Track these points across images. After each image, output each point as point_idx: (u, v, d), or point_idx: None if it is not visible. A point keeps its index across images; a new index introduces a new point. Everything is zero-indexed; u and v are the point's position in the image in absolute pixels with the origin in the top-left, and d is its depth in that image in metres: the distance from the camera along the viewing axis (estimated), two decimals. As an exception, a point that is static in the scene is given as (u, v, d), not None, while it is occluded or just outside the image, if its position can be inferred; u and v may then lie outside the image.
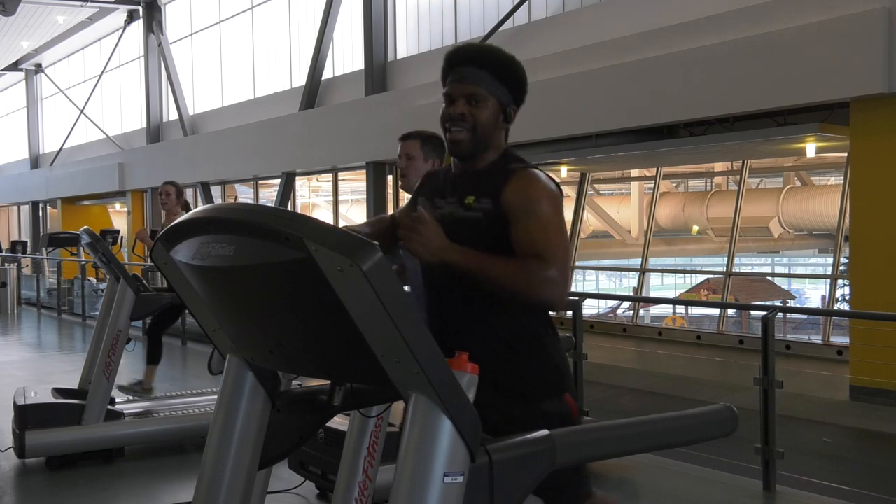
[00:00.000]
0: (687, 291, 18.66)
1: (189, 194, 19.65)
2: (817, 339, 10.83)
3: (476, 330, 2.22)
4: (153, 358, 6.23)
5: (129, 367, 7.06)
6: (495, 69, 2.17)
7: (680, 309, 16.56)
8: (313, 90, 15.70)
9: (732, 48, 8.88)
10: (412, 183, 3.39)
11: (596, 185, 16.71)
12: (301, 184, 18.70)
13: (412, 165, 3.37)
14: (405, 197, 3.89)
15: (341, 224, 16.47)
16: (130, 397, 6.03)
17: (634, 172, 16.02)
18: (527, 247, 2.06)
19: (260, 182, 18.68)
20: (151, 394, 6.04)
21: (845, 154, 9.62)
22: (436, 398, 1.63)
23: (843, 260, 10.54)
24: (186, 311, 6.61)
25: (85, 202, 25.04)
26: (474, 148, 2.20)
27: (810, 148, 10.44)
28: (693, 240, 16.51)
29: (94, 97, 24.19)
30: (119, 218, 25.47)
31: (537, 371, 2.23)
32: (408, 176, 3.39)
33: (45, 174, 25.98)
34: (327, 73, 15.77)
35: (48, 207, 27.25)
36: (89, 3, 20.68)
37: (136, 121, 22.78)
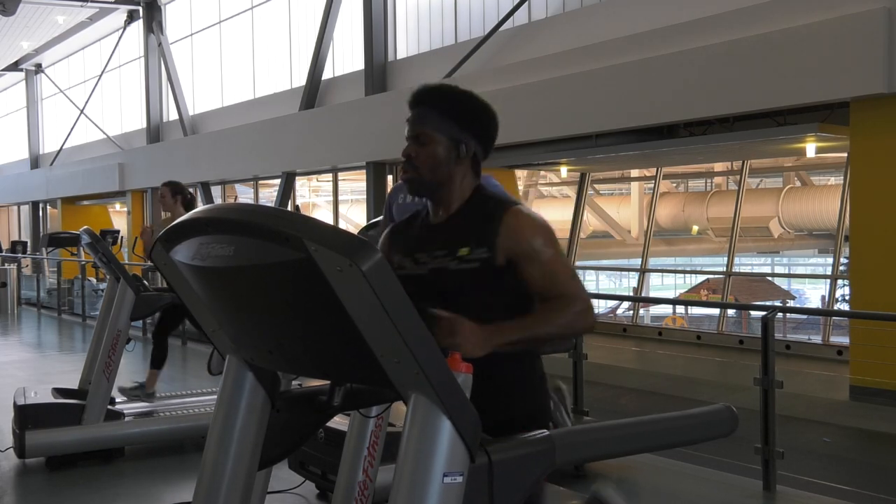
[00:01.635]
0: (687, 291, 18.66)
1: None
2: (817, 339, 10.83)
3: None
4: (157, 362, 6.19)
5: (129, 367, 7.07)
6: (442, 107, 2.18)
7: (680, 309, 16.57)
8: (313, 90, 15.70)
9: (732, 48, 8.88)
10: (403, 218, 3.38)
11: (596, 185, 16.71)
12: (301, 184, 18.70)
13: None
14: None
15: (341, 224, 16.46)
16: (130, 399, 6.01)
17: (634, 172, 16.02)
18: (547, 289, 2.08)
19: (260, 182, 18.68)
20: (153, 398, 6.02)
21: (845, 154, 9.62)
22: (435, 398, 1.63)
23: (843, 260, 10.55)
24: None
25: (85, 202, 25.03)
26: (425, 188, 2.20)
27: (810, 148, 10.44)
28: (693, 240, 16.51)
29: (94, 97, 24.19)
30: (119, 218, 25.47)
31: (521, 406, 2.17)
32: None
33: (45, 174, 25.98)
34: (327, 73, 15.77)
35: (48, 207, 27.25)
36: (89, 3, 20.68)
37: (136, 121, 22.78)
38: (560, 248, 2.17)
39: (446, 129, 2.17)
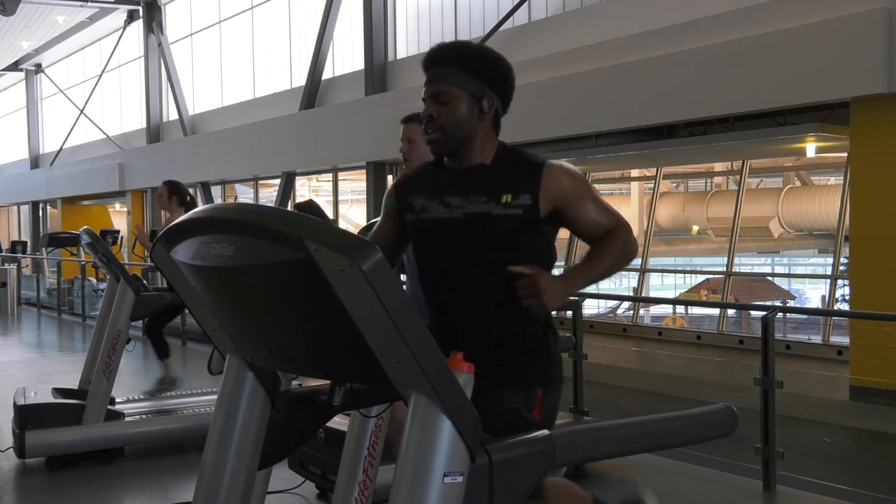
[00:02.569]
0: (687, 291, 18.64)
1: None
2: (817, 339, 10.83)
3: (481, 328, 2.21)
4: (162, 355, 6.26)
5: (129, 367, 7.08)
6: (461, 63, 2.18)
7: (680, 309, 16.55)
8: (313, 90, 15.70)
9: (732, 48, 8.88)
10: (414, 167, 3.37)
11: (596, 185, 16.69)
12: (301, 184, 18.69)
13: (414, 149, 3.33)
14: None
15: (341, 224, 16.46)
16: (167, 392, 6.09)
17: (634, 172, 16.01)
18: (597, 228, 2.23)
19: (260, 182, 18.68)
20: (177, 383, 6.10)
21: (845, 154, 9.62)
22: (435, 398, 1.63)
23: (843, 260, 10.54)
24: (187, 311, 6.61)
25: (85, 202, 25.04)
26: (450, 146, 2.21)
27: (810, 148, 10.44)
28: (693, 240, 16.50)
29: (94, 97, 24.19)
30: (119, 218, 25.47)
31: (540, 366, 2.23)
32: (410, 160, 3.37)
33: (45, 174, 25.98)
34: (327, 73, 15.77)
35: (48, 207, 27.24)
36: (89, 3, 20.68)
37: (136, 121, 22.78)
38: (596, 190, 2.35)
39: (467, 84, 2.17)
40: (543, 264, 2.21)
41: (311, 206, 4.02)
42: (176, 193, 6.26)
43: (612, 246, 2.21)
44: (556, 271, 2.27)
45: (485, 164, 2.22)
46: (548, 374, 2.23)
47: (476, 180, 2.21)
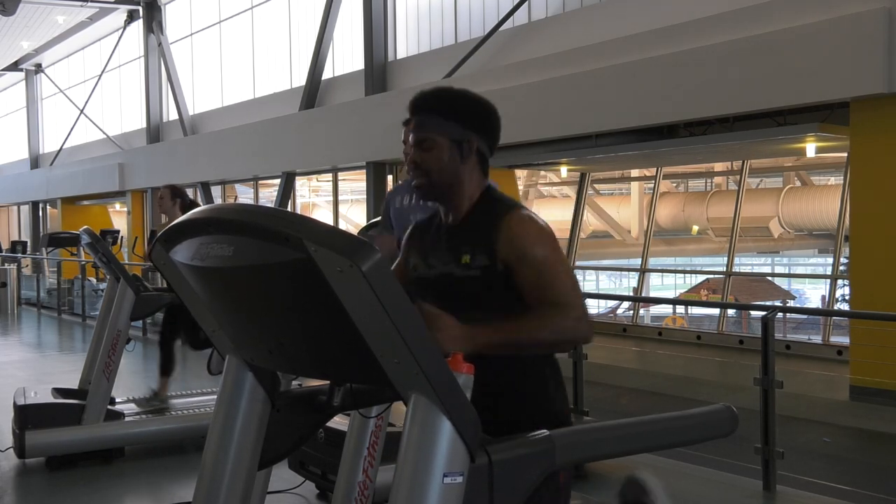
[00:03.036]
0: (687, 291, 18.65)
1: (189, 194, 19.63)
2: (817, 339, 10.83)
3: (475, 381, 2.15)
4: (166, 370, 6.23)
5: (129, 367, 7.08)
6: (440, 108, 2.19)
7: (680, 309, 16.56)
8: (313, 90, 15.70)
9: (732, 48, 8.88)
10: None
11: (596, 185, 16.70)
12: (301, 184, 18.70)
13: None
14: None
15: (341, 224, 16.46)
16: (150, 408, 6.02)
17: (634, 172, 16.02)
18: (540, 296, 2.02)
19: (260, 182, 18.68)
20: (166, 402, 6.06)
21: (845, 154, 9.62)
22: (435, 399, 1.63)
23: (843, 260, 10.54)
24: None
25: (85, 202, 25.03)
26: (437, 191, 2.21)
27: (810, 148, 10.43)
28: (693, 240, 16.51)
29: (94, 97, 24.19)
30: (119, 218, 25.47)
31: (531, 399, 2.16)
32: None
33: (45, 174, 25.98)
34: (327, 73, 15.77)
35: (48, 207, 27.25)
36: (89, 3, 20.68)
37: (136, 121, 22.78)
38: (561, 254, 2.12)
39: (448, 130, 2.18)
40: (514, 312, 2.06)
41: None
42: (179, 197, 6.26)
43: (548, 319, 1.98)
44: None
45: (462, 220, 2.20)
46: (545, 412, 2.14)
47: (449, 239, 2.21)
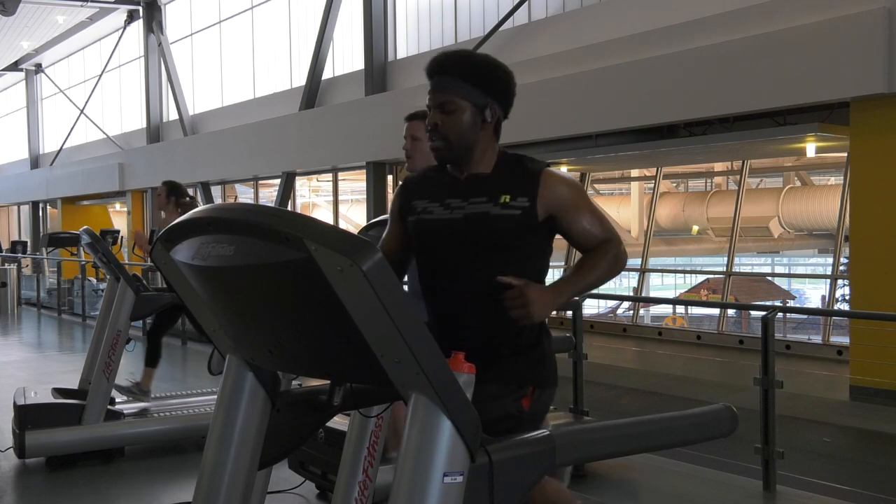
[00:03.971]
0: (687, 291, 18.64)
1: (188, 193, 19.62)
2: (817, 339, 10.83)
3: (477, 328, 2.22)
4: (152, 361, 6.21)
5: (129, 367, 7.06)
6: (464, 73, 2.21)
7: (680, 309, 16.55)
8: (313, 90, 15.70)
9: (732, 48, 8.88)
10: (417, 165, 3.35)
11: (596, 185, 16.70)
12: (301, 184, 18.70)
13: (417, 147, 3.31)
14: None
15: (341, 224, 16.46)
16: (128, 398, 6.01)
17: (634, 172, 16.01)
18: (589, 238, 2.27)
19: (260, 182, 18.68)
20: (149, 396, 6.03)
21: (845, 154, 9.62)
22: (436, 398, 1.63)
23: (843, 260, 10.54)
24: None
25: (85, 202, 25.04)
26: (454, 154, 2.25)
27: (810, 148, 10.43)
28: (693, 240, 16.50)
29: (94, 97, 24.19)
30: (119, 218, 25.47)
31: (534, 366, 2.25)
32: (413, 158, 3.36)
33: (45, 174, 25.98)
34: (327, 73, 15.77)
35: (48, 207, 27.25)
36: (89, 3, 20.68)
37: (136, 121, 22.78)
38: (591, 200, 2.37)
39: (470, 94, 2.21)
40: (538, 267, 2.27)
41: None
42: (174, 193, 6.24)
43: (601, 259, 2.24)
44: (555, 273, 2.28)
45: (485, 173, 2.27)
46: (541, 373, 2.26)
47: (476, 185, 2.25)
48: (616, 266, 2.27)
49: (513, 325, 2.17)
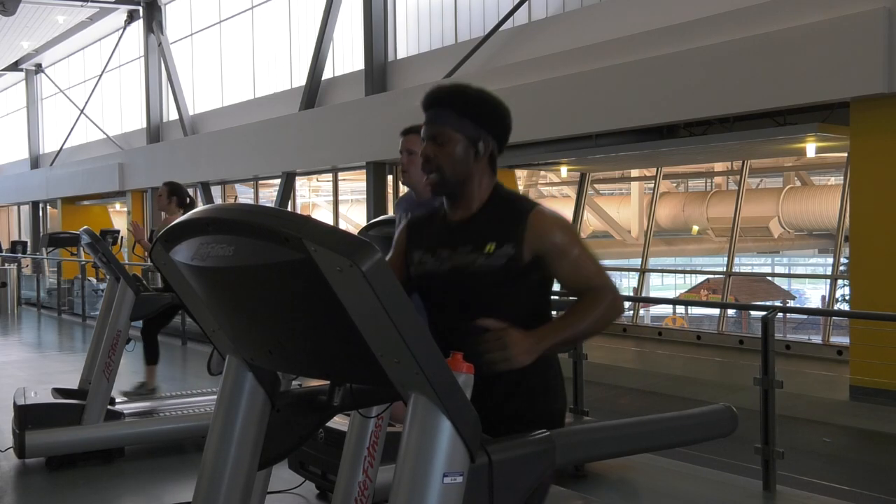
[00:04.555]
0: (687, 291, 18.65)
1: (189, 193, 19.63)
2: (817, 339, 10.83)
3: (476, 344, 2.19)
4: (151, 358, 6.25)
5: (129, 367, 7.08)
6: (457, 105, 2.21)
7: (680, 309, 16.56)
8: (313, 90, 15.70)
9: (732, 48, 8.88)
10: (413, 179, 3.37)
11: (596, 185, 16.70)
12: (301, 184, 18.70)
13: (413, 161, 3.33)
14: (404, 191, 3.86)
15: (341, 224, 16.45)
16: (135, 398, 6.03)
17: (634, 172, 16.02)
18: (579, 284, 2.18)
19: (260, 182, 18.68)
20: (156, 392, 6.06)
21: (845, 154, 9.62)
22: (435, 398, 1.63)
23: (843, 260, 10.54)
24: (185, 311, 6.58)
25: (85, 202, 25.04)
26: (447, 187, 2.24)
27: (810, 148, 10.43)
28: (693, 240, 16.50)
29: (94, 97, 24.19)
30: (119, 218, 25.47)
31: (537, 394, 2.20)
32: (409, 171, 3.37)
33: (45, 174, 25.98)
34: (327, 73, 15.77)
35: (48, 207, 27.25)
36: (89, 3, 20.69)
37: (136, 121, 22.78)
38: (584, 242, 2.25)
39: (463, 127, 2.20)
40: (530, 315, 2.17)
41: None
42: (176, 194, 6.26)
43: (592, 307, 2.13)
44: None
45: (475, 214, 2.24)
46: (547, 410, 2.20)
47: (464, 231, 2.23)
48: (609, 315, 2.15)
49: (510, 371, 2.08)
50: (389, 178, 14.22)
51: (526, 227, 2.15)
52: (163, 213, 6.59)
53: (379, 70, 14.36)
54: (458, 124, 2.19)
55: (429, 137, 2.22)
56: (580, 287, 2.17)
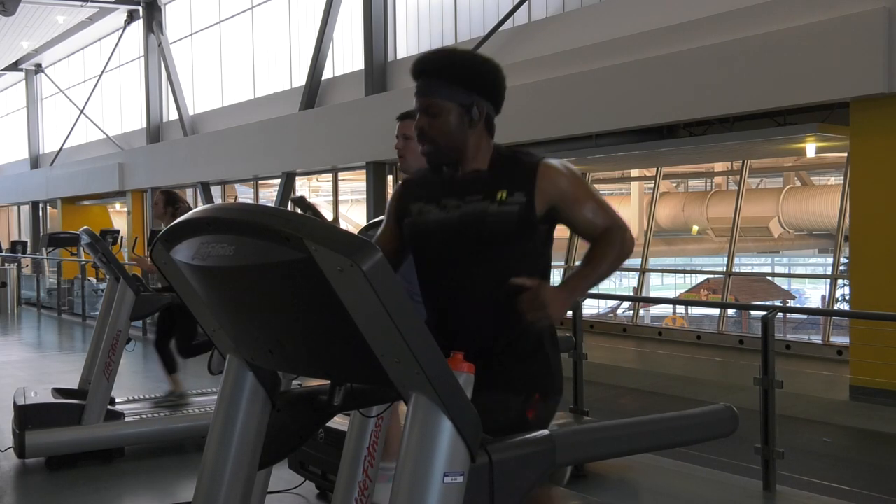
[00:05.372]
0: (687, 291, 18.64)
1: (189, 194, 19.65)
2: (817, 339, 10.83)
3: (477, 329, 2.21)
4: (171, 368, 6.29)
5: (129, 367, 7.08)
6: (446, 73, 2.19)
7: (680, 309, 16.54)
8: (313, 90, 15.70)
9: (732, 48, 8.88)
10: (410, 165, 3.35)
11: (596, 185, 16.70)
12: (301, 184, 18.69)
13: (409, 146, 3.30)
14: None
15: (341, 224, 16.43)
16: (134, 399, 6.05)
17: (634, 172, 16.02)
18: (594, 227, 2.23)
19: (260, 182, 18.68)
20: (186, 395, 6.11)
21: (845, 154, 9.62)
22: (436, 398, 1.63)
23: (843, 260, 10.54)
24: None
25: (85, 202, 25.03)
26: (444, 157, 2.23)
27: (810, 148, 10.44)
28: (693, 240, 16.50)
29: (94, 97, 24.18)
30: (119, 218, 25.46)
31: (538, 372, 2.22)
32: (405, 157, 3.35)
33: (45, 174, 25.97)
34: (327, 73, 15.77)
35: (48, 207, 27.24)
36: (89, 3, 20.68)
37: (136, 121, 22.77)
38: (593, 188, 2.32)
39: (455, 95, 2.18)
40: (541, 263, 2.23)
41: (302, 202, 4.05)
42: (172, 204, 6.25)
43: (608, 248, 2.19)
44: (555, 274, 2.26)
45: (481, 169, 2.24)
46: (545, 381, 2.22)
47: (472, 183, 2.22)
48: (624, 251, 2.22)
49: (515, 327, 2.14)
50: (389, 178, 14.22)
51: (537, 175, 2.17)
52: (162, 224, 6.56)
53: (379, 70, 14.36)
54: (448, 93, 2.17)
55: (421, 109, 2.20)
56: (595, 231, 2.22)
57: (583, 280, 2.17)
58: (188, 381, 7.51)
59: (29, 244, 23.85)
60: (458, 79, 2.18)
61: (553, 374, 2.25)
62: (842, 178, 11.18)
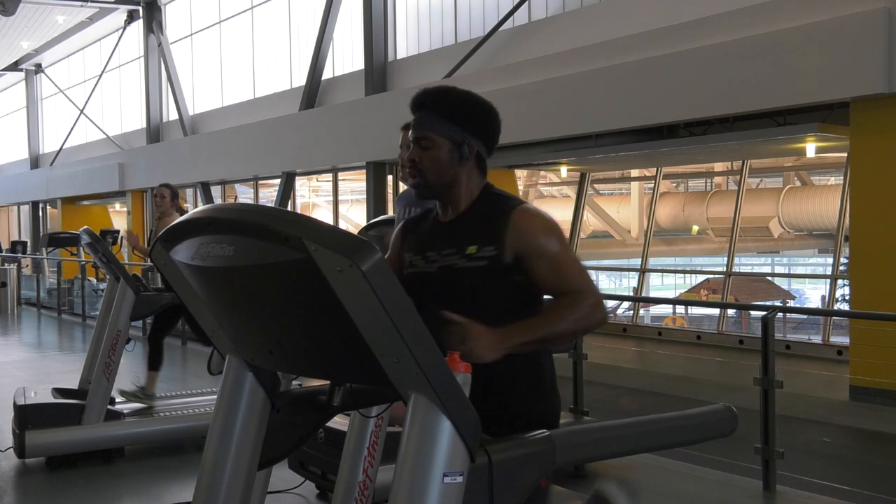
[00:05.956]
0: (687, 291, 18.65)
1: (189, 194, 19.67)
2: (817, 339, 10.83)
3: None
4: (154, 364, 6.21)
5: (129, 367, 7.08)
6: (441, 109, 2.20)
7: (680, 309, 16.55)
8: (313, 90, 15.70)
9: (732, 48, 8.88)
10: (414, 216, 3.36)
11: (596, 185, 16.70)
12: (301, 184, 18.70)
13: None
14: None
15: (341, 224, 16.45)
16: (132, 401, 6.01)
17: (634, 172, 16.02)
18: (558, 286, 2.11)
19: (260, 182, 18.68)
20: (154, 399, 6.03)
21: (845, 154, 9.62)
22: (435, 398, 1.63)
23: (843, 260, 10.54)
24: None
25: (85, 202, 25.03)
26: (431, 191, 2.23)
27: (810, 148, 10.43)
28: (693, 240, 16.51)
29: (94, 97, 24.18)
30: (119, 218, 25.47)
31: (531, 403, 2.18)
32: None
33: (45, 174, 25.97)
34: (327, 73, 15.77)
35: (48, 207, 27.24)
36: (89, 3, 20.68)
37: (136, 121, 22.77)
38: (568, 244, 2.19)
39: (447, 131, 2.19)
40: (514, 314, 2.09)
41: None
42: (176, 198, 6.27)
43: (569, 311, 2.06)
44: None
45: (462, 215, 2.23)
46: (542, 410, 2.18)
47: (449, 232, 2.22)
48: (588, 320, 2.07)
49: (503, 368, 2.03)
50: (389, 178, 14.22)
51: (508, 226, 2.12)
52: (165, 218, 6.53)
53: (379, 70, 14.36)
54: (441, 128, 2.19)
55: (414, 141, 2.22)
56: (559, 290, 2.10)
57: (525, 331, 2.01)
58: (188, 381, 7.51)
59: (29, 244, 23.85)
60: (452, 115, 2.19)
61: (551, 404, 2.20)
62: (842, 178, 11.19)
